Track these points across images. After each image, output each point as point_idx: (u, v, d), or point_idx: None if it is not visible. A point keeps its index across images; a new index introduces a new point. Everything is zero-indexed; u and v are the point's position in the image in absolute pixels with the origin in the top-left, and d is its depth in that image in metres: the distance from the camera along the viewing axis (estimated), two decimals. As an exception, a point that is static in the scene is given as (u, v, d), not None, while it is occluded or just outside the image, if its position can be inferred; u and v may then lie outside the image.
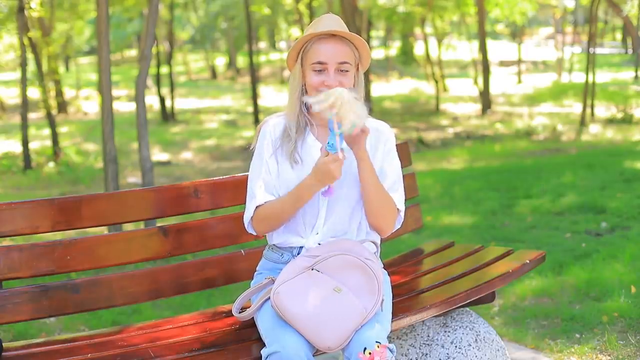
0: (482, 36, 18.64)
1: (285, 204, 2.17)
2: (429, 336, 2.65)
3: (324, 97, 2.03)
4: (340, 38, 2.18)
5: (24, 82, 10.74)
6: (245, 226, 2.27)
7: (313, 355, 2.04)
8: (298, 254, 2.25)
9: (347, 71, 2.18)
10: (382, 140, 2.28)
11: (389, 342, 2.16)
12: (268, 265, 2.33)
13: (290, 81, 2.26)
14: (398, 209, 2.26)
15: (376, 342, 1.99)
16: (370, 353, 1.96)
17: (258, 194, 2.21)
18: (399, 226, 2.30)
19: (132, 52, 37.04)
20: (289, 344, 1.98)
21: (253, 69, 16.35)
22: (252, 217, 2.23)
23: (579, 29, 31.38)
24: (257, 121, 15.56)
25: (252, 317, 2.23)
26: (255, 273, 2.37)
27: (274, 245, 2.32)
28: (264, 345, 2.07)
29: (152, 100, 19.73)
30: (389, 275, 2.39)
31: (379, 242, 2.31)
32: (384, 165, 2.26)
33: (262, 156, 2.24)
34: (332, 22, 2.19)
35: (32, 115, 16.62)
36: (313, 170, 2.09)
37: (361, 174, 2.16)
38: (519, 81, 25.24)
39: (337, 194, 2.18)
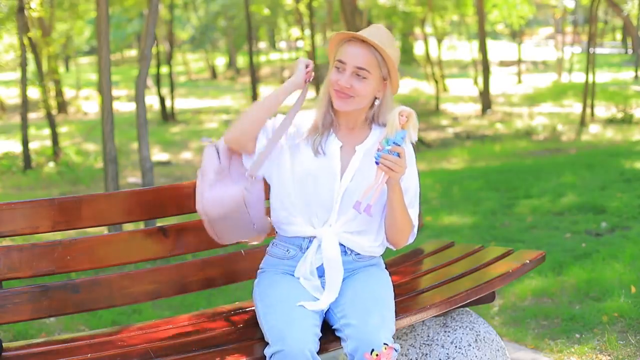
0: (482, 36, 18.64)
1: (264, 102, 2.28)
2: (429, 336, 2.65)
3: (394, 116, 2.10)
4: (370, 48, 2.19)
5: (24, 82, 10.74)
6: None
7: (317, 354, 2.04)
8: (307, 248, 2.24)
9: (364, 78, 2.19)
10: None
11: (394, 341, 2.17)
12: (272, 262, 2.31)
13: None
14: (413, 224, 2.29)
15: (384, 343, 2.00)
16: (377, 355, 1.97)
17: None
18: (412, 240, 2.33)
19: (132, 52, 37.04)
20: (293, 342, 1.97)
21: (253, 69, 16.37)
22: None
23: (579, 29, 31.36)
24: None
25: (255, 317, 2.23)
26: (259, 271, 2.36)
27: (278, 241, 2.31)
28: (265, 345, 2.07)
29: (152, 100, 19.72)
30: (390, 275, 2.39)
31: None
32: (404, 180, 2.25)
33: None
34: (375, 32, 2.21)
35: (32, 115, 16.62)
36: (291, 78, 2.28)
37: (390, 200, 2.19)
38: (519, 81, 25.23)
39: (356, 188, 2.20)
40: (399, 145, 2.09)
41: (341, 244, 2.25)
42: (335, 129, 2.29)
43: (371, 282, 2.24)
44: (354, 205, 2.12)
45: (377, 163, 2.10)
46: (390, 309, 2.18)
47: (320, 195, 2.22)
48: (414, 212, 2.29)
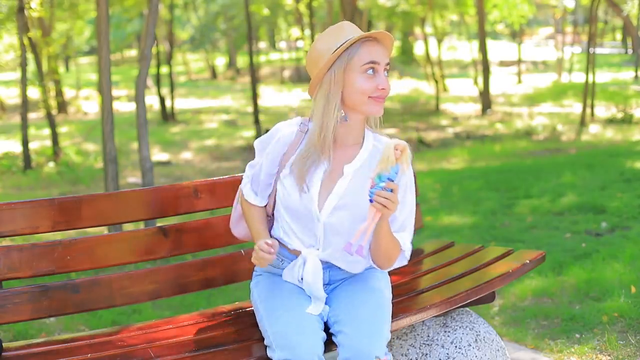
0: (482, 36, 18.65)
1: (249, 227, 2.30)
2: (429, 336, 2.65)
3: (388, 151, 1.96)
4: (379, 41, 2.11)
5: (24, 82, 10.74)
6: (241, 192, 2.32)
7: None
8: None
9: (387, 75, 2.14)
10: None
11: (389, 347, 2.14)
12: (267, 268, 2.28)
13: (321, 98, 2.10)
14: (402, 249, 2.19)
15: (376, 356, 1.96)
16: None
17: (245, 186, 2.29)
18: (401, 264, 2.23)
19: (132, 52, 37.05)
20: (302, 350, 1.94)
21: (253, 69, 16.32)
22: (239, 198, 2.35)
23: (579, 29, 31.37)
24: (257, 121, 15.54)
25: (255, 318, 2.22)
26: (254, 274, 2.35)
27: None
28: (264, 345, 2.06)
29: (152, 100, 19.74)
30: (389, 275, 2.38)
31: None
32: (397, 209, 2.14)
33: (269, 157, 2.19)
34: (357, 29, 2.13)
35: (32, 115, 16.64)
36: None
37: (376, 232, 2.08)
38: (519, 81, 25.25)
39: (338, 222, 2.13)
40: (393, 181, 1.95)
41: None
42: (330, 146, 2.14)
43: (367, 288, 2.19)
44: (345, 247, 2.00)
45: (371, 201, 1.95)
46: (385, 316, 2.12)
47: (307, 227, 2.16)
48: (405, 236, 2.18)
